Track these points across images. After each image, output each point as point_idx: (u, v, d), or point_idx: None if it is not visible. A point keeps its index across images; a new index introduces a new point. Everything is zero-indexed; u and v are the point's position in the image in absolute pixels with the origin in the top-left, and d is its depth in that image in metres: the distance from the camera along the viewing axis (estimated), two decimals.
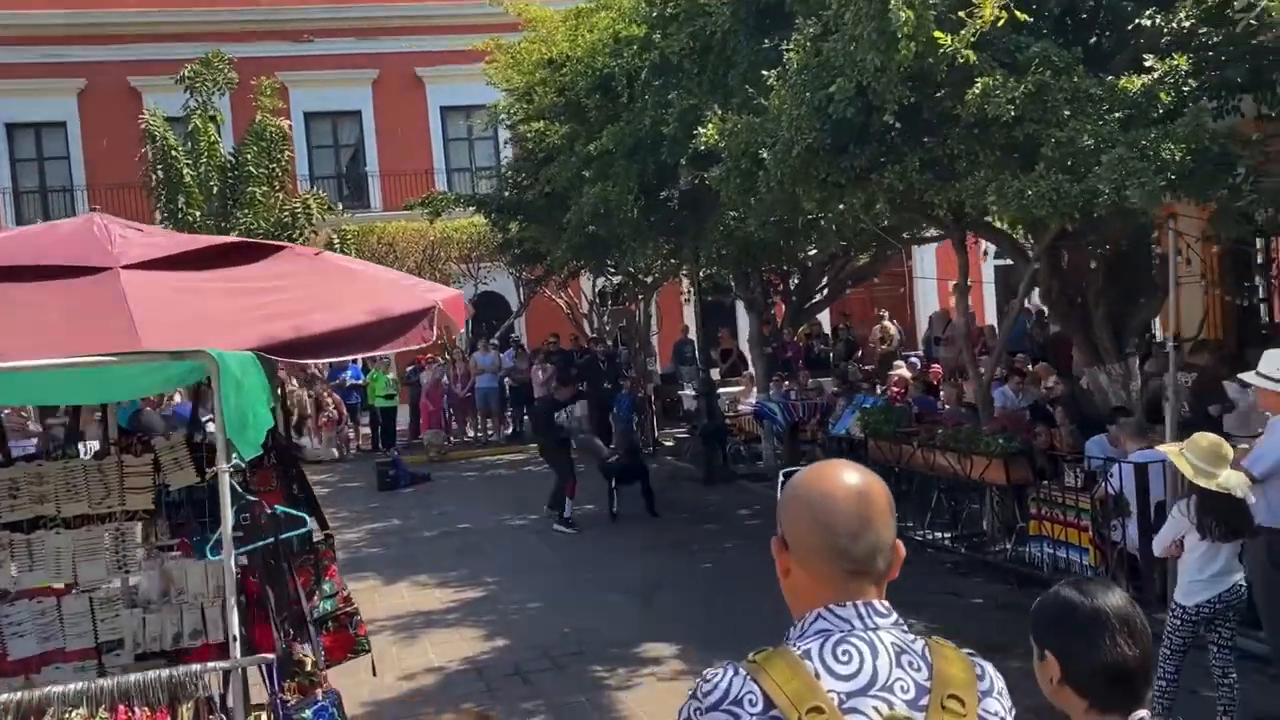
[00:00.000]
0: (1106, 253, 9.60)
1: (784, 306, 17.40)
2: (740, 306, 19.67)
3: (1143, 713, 2.07)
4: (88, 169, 23.44)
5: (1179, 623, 5.33)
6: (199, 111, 19.31)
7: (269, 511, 3.78)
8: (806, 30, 7.77)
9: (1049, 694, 2.11)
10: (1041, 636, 2.12)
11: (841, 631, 1.64)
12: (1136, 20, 7.36)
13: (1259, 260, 12.03)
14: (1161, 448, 5.90)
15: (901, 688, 1.61)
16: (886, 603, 1.69)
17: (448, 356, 19.88)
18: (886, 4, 6.73)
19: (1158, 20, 7.12)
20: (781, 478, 1.80)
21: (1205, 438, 5.16)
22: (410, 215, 20.70)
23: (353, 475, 16.94)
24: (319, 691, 3.54)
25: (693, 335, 18.87)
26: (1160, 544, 5.61)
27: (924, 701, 1.61)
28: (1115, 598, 2.09)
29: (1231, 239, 8.01)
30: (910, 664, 1.64)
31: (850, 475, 1.71)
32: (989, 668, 1.73)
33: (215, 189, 19.40)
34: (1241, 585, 5.29)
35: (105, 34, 23.27)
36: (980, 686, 1.68)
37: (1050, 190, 6.72)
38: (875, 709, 1.58)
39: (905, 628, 1.69)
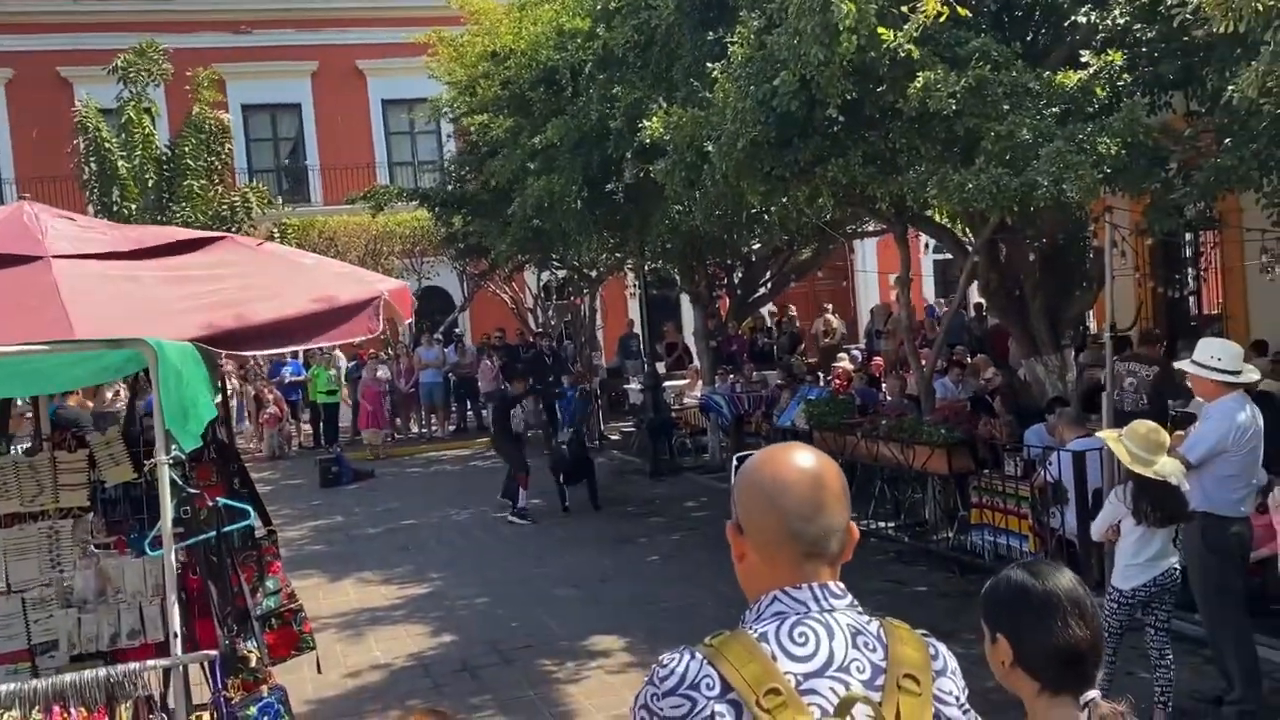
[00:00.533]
0: (1044, 246, 9.79)
1: (728, 300, 17.48)
2: (685, 300, 19.72)
3: (1093, 693, 2.10)
4: (16, 161, 22.79)
5: (1116, 606, 5.45)
6: (133, 103, 18.83)
7: (211, 504, 3.69)
8: (750, 23, 7.80)
9: (1000, 677, 2.12)
10: (993, 620, 2.14)
11: (797, 614, 1.64)
12: (1072, 17, 7.50)
13: (1188, 254, 12.35)
14: (1100, 434, 6.03)
15: (858, 668, 1.62)
16: (841, 584, 1.70)
17: (391, 352, 19.66)
18: None
19: (1093, 17, 7.26)
20: (735, 462, 1.79)
21: (1143, 424, 5.28)
22: (352, 210, 20.43)
23: (295, 472, 16.69)
24: (264, 688, 3.48)
25: (638, 329, 18.88)
26: (1097, 529, 5.73)
27: (880, 681, 1.62)
28: (1066, 580, 2.12)
29: (1164, 232, 8.19)
30: (866, 645, 1.65)
31: (804, 458, 1.71)
32: (942, 648, 1.74)
33: (151, 182, 18.95)
34: (1176, 569, 5.42)
35: (34, 22, 22.64)
36: (934, 666, 1.69)
37: (990, 183, 6.82)
38: (832, 689, 1.59)
39: (860, 609, 1.70)
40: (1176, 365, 6.32)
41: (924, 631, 1.75)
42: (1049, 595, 2.08)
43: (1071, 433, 7.94)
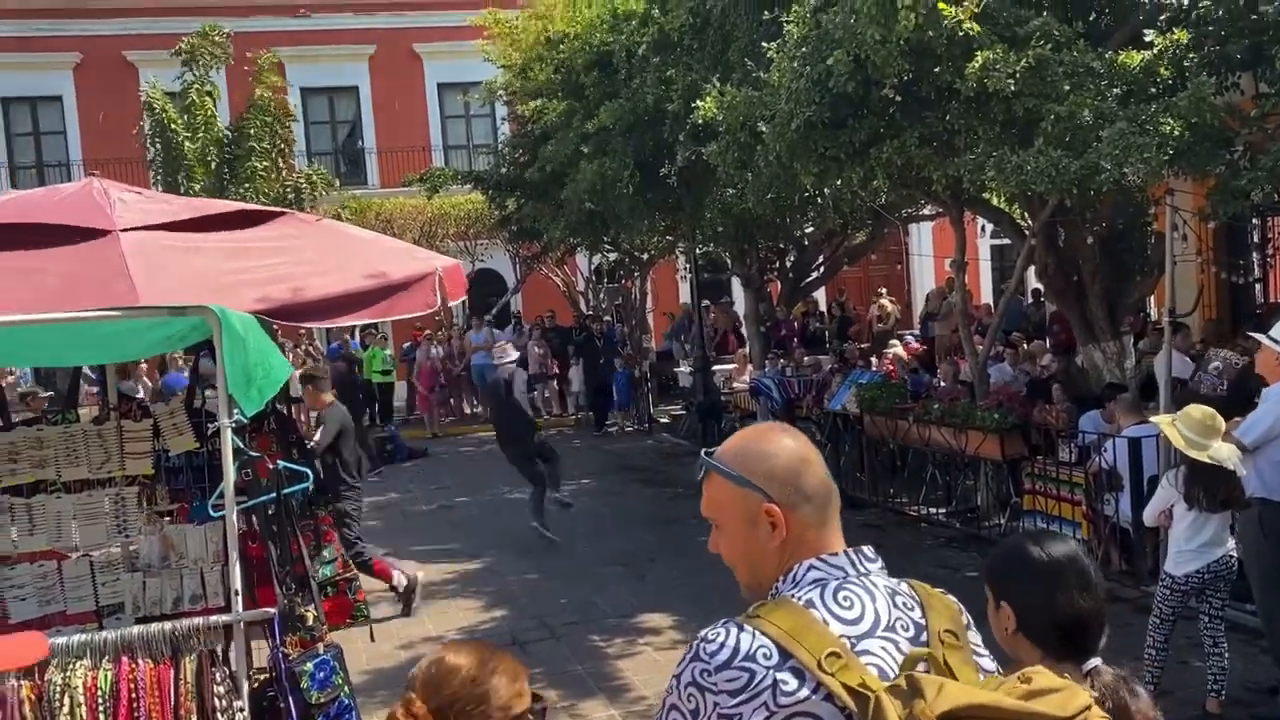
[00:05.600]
0: (1102, 230, 9.62)
1: (779, 284, 17.41)
2: (736, 283, 19.66)
3: (1095, 661, 2.12)
4: (84, 143, 23.33)
5: (1168, 592, 5.38)
6: (195, 86, 19.20)
7: (273, 467, 3.80)
8: (807, 3, 7.75)
9: (1003, 642, 2.15)
10: (997, 586, 2.16)
11: (837, 579, 1.66)
12: None
13: (1254, 238, 12.06)
14: (1154, 419, 5.94)
15: (902, 627, 1.65)
16: (871, 548, 1.73)
17: (443, 334, 19.88)
18: None
19: None
20: (703, 455, 1.85)
21: (1198, 409, 5.19)
22: (408, 192, 20.65)
23: None
24: (320, 646, 3.58)
25: (689, 312, 18.88)
26: (1149, 513, 5.66)
27: (923, 638, 1.65)
28: (1070, 549, 2.13)
29: (1228, 217, 8.01)
30: (904, 604, 1.68)
31: (784, 428, 1.82)
32: (960, 605, 1.79)
33: (213, 164, 19.32)
34: (1232, 557, 5.34)
35: (101, 8, 23.11)
36: (962, 620, 1.73)
37: (1049, 166, 6.73)
38: (884, 649, 1.61)
39: (886, 571, 1.73)
40: (1252, 334, 6.14)
41: (942, 590, 1.79)
42: (1053, 564, 2.09)
43: (1127, 419, 7.83)
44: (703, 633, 1.65)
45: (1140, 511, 6.79)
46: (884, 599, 1.66)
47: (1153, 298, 11.16)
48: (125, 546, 4.70)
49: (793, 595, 1.65)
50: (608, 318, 20.62)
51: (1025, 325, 14.87)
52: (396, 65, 24.82)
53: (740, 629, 1.61)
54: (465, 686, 1.82)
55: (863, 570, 1.68)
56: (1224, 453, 5.05)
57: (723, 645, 1.60)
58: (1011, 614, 2.12)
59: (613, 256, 20.09)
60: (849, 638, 1.60)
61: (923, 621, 1.67)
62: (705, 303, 18.28)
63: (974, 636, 1.73)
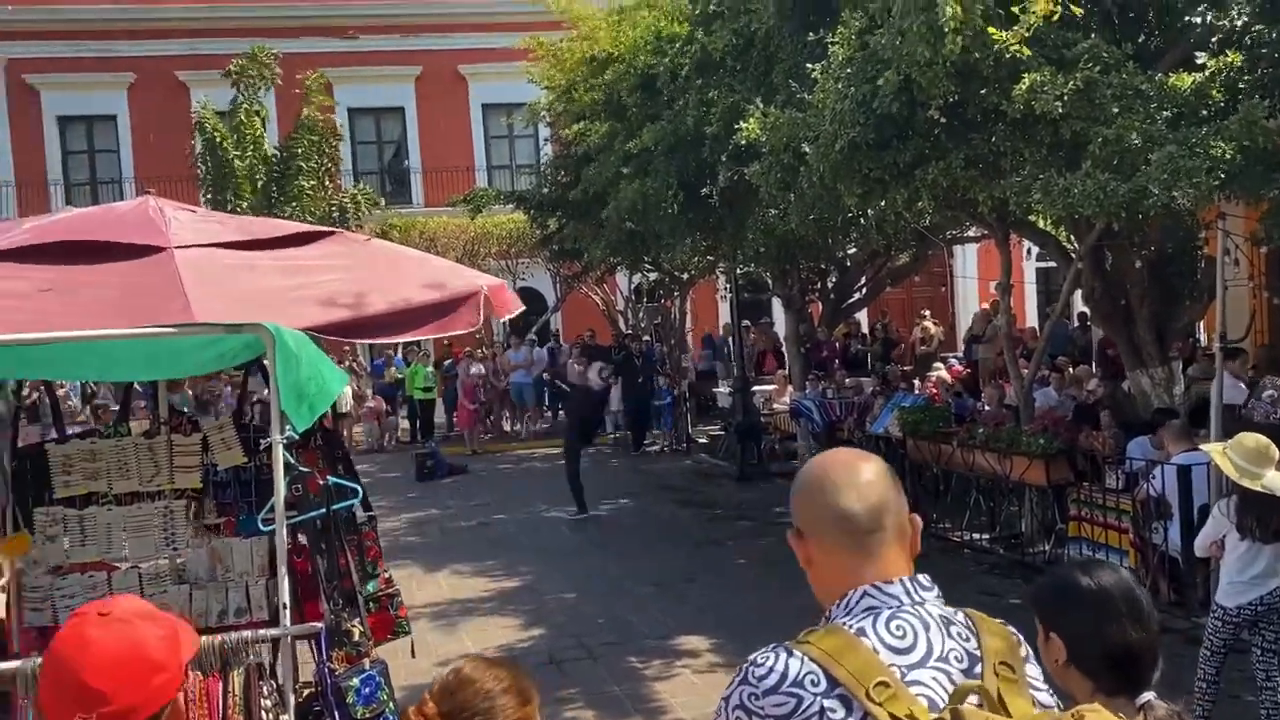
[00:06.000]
0: (1151, 254, 9.49)
1: (821, 305, 17.34)
2: (776, 304, 19.61)
3: (1149, 695, 2.07)
4: (136, 161, 23.83)
5: (1219, 624, 5.27)
6: (245, 105, 19.56)
7: (322, 483, 3.84)
8: (852, 24, 7.75)
9: (1054, 675, 2.10)
10: (1046, 617, 2.12)
11: (890, 608, 1.65)
12: (1187, 18, 7.28)
13: None
14: (1205, 447, 5.84)
15: (956, 658, 1.63)
16: (928, 576, 1.72)
17: (485, 351, 20.01)
18: None
19: (1210, 17, 7.04)
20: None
21: (1251, 438, 5.09)
22: (451, 211, 20.85)
23: (392, 465, 17.10)
24: (366, 661, 3.61)
25: (729, 333, 18.85)
26: (1200, 544, 5.55)
27: (977, 669, 1.63)
28: (1121, 579, 2.09)
29: None
30: (959, 635, 1.67)
31: (842, 453, 1.80)
32: (1020, 636, 1.77)
33: (260, 182, 19.64)
34: None
35: (154, 28, 23.65)
36: (1020, 653, 1.71)
37: (1097, 189, 6.66)
38: (935, 679, 1.60)
39: (944, 600, 1.72)
40: None
41: (1002, 621, 1.76)
42: (1103, 594, 2.05)
43: (1177, 446, 7.69)
44: (752, 656, 1.65)
45: (1190, 540, 6.67)
46: (938, 629, 1.65)
47: (1202, 323, 10.97)
48: (173, 559, 4.77)
49: (844, 623, 1.65)
50: (647, 337, 20.65)
51: (1071, 349, 14.69)
52: (442, 86, 25.12)
53: (790, 654, 1.61)
54: (475, 698, 1.91)
55: (918, 599, 1.67)
56: (1278, 482, 4.95)
57: (771, 670, 1.60)
58: (1061, 645, 2.08)
59: (653, 276, 20.14)
60: (899, 667, 1.59)
61: (977, 652, 1.65)
62: (745, 323, 18.24)
63: (1032, 670, 1.71)
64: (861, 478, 1.72)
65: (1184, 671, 5.44)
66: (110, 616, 1.69)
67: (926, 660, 1.61)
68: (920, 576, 1.70)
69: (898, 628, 1.63)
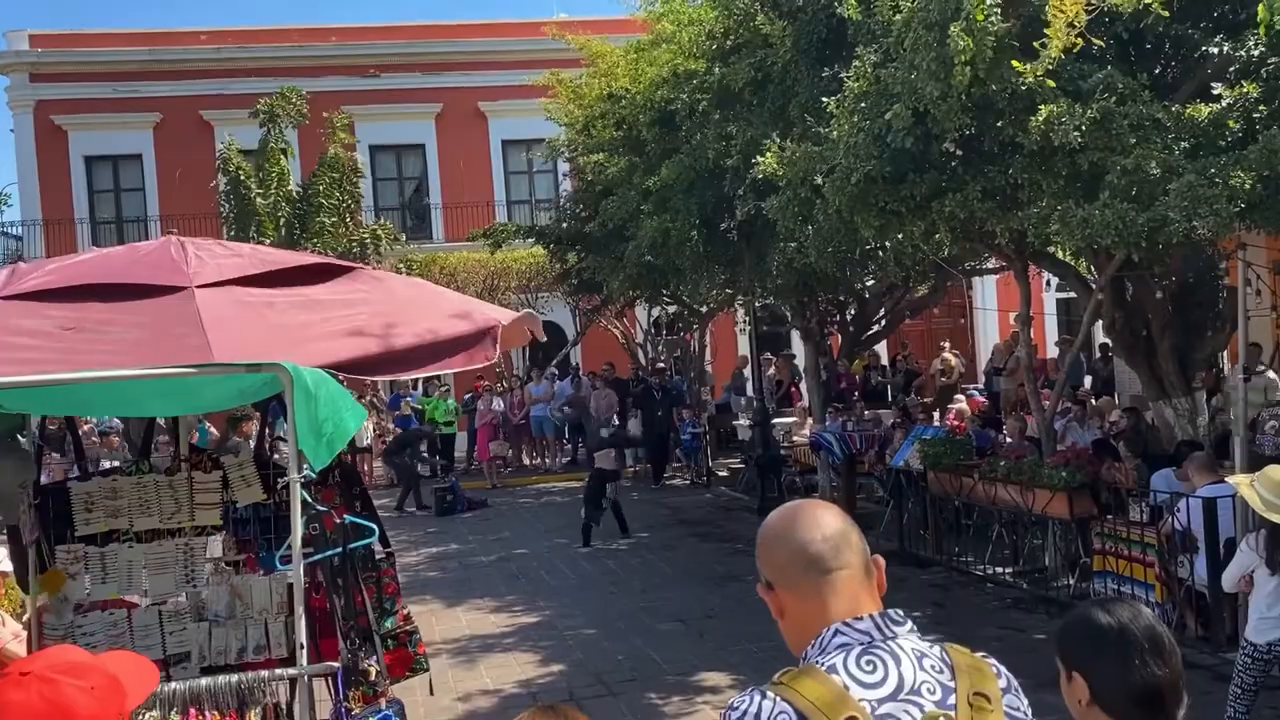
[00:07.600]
0: (1172, 284, 9.44)
1: (840, 337, 17.31)
2: (796, 336, 19.58)
3: None
4: (161, 199, 24.15)
5: (1249, 660, 5.19)
6: (273, 143, 19.83)
7: (339, 521, 3.85)
8: (867, 58, 7.80)
9: (1077, 715, 2.09)
10: (1068, 657, 2.10)
11: (861, 643, 1.70)
12: (1203, 49, 7.29)
13: None
14: (1231, 480, 5.77)
15: (928, 690, 1.67)
16: (900, 611, 1.76)
17: (504, 385, 20.06)
18: (947, 31, 6.74)
19: (1226, 48, 7.04)
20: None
21: (1278, 470, 5.03)
22: (471, 246, 21.00)
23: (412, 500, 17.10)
24: (382, 701, 3.60)
25: (748, 366, 18.82)
26: (1229, 579, 5.47)
27: (951, 701, 1.67)
28: (1144, 617, 2.06)
29: None
30: (933, 668, 1.71)
31: (801, 503, 1.89)
32: (1002, 667, 1.80)
33: (283, 219, 19.86)
34: None
35: (179, 69, 24.06)
36: (999, 684, 1.74)
37: (1116, 219, 6.65)
38: (907, 713, 1.64)
39: (920, 634, 1.75)
40: None
41: (984, 654, 1.80)
42: (1125, 632, 2.03)
43: (1202, 478, 7.60)
44: (731, 700, 1.72)
45: (1217, 574, 6.57)
46: (910, 662, 1.69)
47: (1225, 353, 10.89)
48: (193, 596, 4.78)
49: (818, 661, 1.70)
50: (666, 369, 20.64)
51: (1094, 381, 14.59)
52: (462, 123, 25.38)
53: (764, 695, 1.67)
54: None
55: (889, 634, 1.72)
56: None
57: (745, 712, 1.66)
58: (1084, 685, 2.05)
59: (672, 309, 20.17)
60: (869, 701, 1.64)
61: (951, 684, 1.69)
62: (765, 355, 18.23)
63: (1014, 700, 1.74)
64: (821, 519, 1.80)
65: (1214, 708, 5.35)
66: (31, 675, 1.61)
67: (897, 694, 1.65)
68: (892, 611, 1.75)
69: (868, 663, 1.68)
